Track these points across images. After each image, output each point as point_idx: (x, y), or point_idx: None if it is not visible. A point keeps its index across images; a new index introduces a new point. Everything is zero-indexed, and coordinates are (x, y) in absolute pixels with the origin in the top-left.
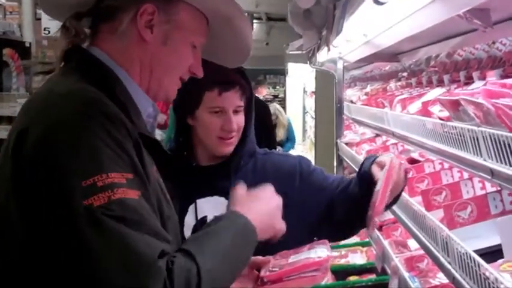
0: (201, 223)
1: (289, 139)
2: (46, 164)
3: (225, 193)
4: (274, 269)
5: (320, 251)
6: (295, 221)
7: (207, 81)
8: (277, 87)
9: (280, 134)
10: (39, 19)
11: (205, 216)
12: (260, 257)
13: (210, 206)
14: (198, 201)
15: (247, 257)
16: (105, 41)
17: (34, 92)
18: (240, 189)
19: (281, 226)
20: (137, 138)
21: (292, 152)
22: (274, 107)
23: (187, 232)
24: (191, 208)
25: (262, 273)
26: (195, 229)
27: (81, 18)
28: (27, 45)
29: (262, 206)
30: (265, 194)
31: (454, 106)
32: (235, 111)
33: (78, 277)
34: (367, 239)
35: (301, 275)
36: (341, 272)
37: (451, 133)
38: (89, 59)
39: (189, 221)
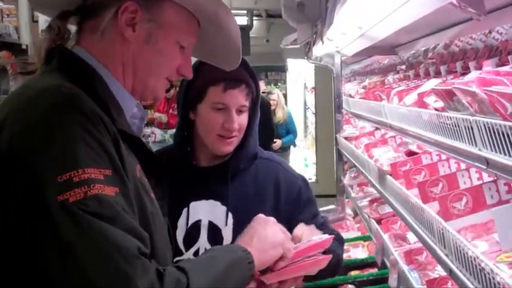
0: (195, 227)
1: (291, 132)
2: (20, 161)
3: (221, 197)
4: None
5: (321, 236)
6: None
7: (213, 76)
8: (279, 84)
9: (280, 115)
10: (37, 21)
11: (200, 220)
12: None
13: (205, 210)
14: (192, 204)
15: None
16: (87, 40)
17: (12, 90)
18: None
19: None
20: (116, 134)
21: (294, 149)
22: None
23: (180, 236)
24: (185, 211)
25: None
26: (189, 232)
27: (68, 17)
28: (24, 47)
29: (266, 241)
30: (273, 229)
31: (449, 96)
32: (239, 111)
33: (56, 273)
34: (368, 234)
35: (306, 260)
36: (343, 267)
37: (447, 123)
38: (70, 58)
39: (183, 223)
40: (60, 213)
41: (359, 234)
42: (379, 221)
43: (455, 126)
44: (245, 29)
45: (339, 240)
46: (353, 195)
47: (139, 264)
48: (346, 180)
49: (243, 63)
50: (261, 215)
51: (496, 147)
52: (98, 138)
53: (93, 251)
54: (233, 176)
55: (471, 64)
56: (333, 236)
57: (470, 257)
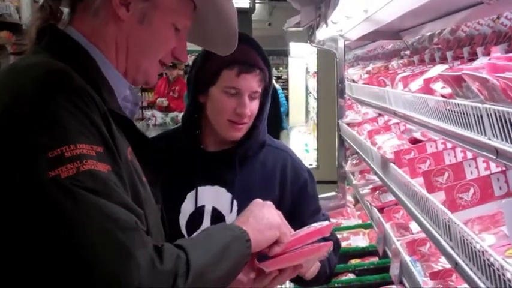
0: (198, 212)
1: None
2: (9, 138)
3: (227, 184)
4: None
5: (321, 222)
6: None
7: (228, 59)
8: (281, 68)
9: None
10: (37, 2)
11: (203, 206)
12: None
13: (210, 196)
14: (199, 188)
15: (239, 266)
16: (80, 20)
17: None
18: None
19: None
20: (106, 112)
21: (295, 133)
22: None
23: (183, 221)
24: (190, 195)
25: (264, 250)
26: (193, 217)
27: None
28: (24, 27)
29: (262, 222)
30: (269, 212)
31: (457, 82)
32: (251, 97)
33: (52, 250)
34: (369, 221)
35: (305, 247)
36: (342, 255)
37: (454, 111)
38: (60, 38)
39: (187, 208)
40: (52, 189)
41: (359, 221)
42: (381, 210)
43: (464, 114)
44: (247, 12)
45: (335, 248)
46: (354, 182)
47: (138, 237)
48: (347, 167)
49: (257, 49)
50: (259, 200)
51: (507, 136)
52: (88, 115)
53: (89, 225)
54: (241, 163)
55: (479, 50)
56: (332, 223)
57: (479, 251)
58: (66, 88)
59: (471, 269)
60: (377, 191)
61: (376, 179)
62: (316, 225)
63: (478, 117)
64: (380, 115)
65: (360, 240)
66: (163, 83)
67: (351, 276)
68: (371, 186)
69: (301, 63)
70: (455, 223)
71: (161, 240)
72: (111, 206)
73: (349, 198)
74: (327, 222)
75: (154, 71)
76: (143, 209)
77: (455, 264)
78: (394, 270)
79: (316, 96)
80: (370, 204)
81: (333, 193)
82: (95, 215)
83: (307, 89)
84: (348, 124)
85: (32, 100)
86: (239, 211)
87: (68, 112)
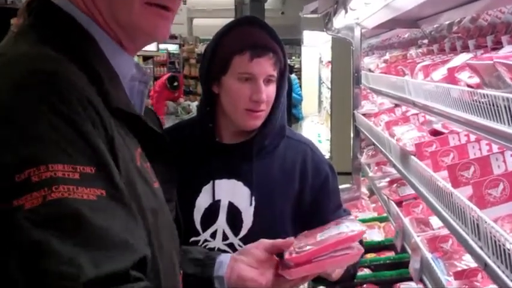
0: (213, 207)
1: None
2: None
3: (244, 177)
4: (300, 250)
5: (352, 225)
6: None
7: (238, 44)
8: (293, 57)
9: None
10: None
11: (219, 200)
12: (280, 240)
13: (226, 190)
14: (215, 181)
15: None
16: None
17: None
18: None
19: None
20: (109, 118)
21: (308, 124)
22: None
23: (197, 216)
24: (206, 189)
25: (286, 255)
26: (208, 212)
27: None
28: None
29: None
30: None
31: (487, 71)
32: (267, 81)
33: None
34: (385, 214)
35: (333, 254)
36: None
37: (482, 102)
38: (52, 13)
39: (202, 202)
40: (14, 223)
41: (375, 214)
42: (399, 203)
43: (493, 105)
44: (260, 1)
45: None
46: (371, 174)
47: None
48: (363, 159)
49: (270, 31)
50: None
51: None
52: (79, 128)
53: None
54: (259, 156)
55: (504, 38)
56: (364, 229)
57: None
58: (53, 95)
59: (503, 272)
60: (395, 184)
61: (394, 171)
62: (347, 232)
63: (509, 108)
64: (397, 106)
65: (375, 234)
66: (165, 91)
67: (366, 271)
68: (388, 179)
69: (314, 52)
70: (485, 221)
71: (173, 244)
72: (59, 249)
73: (364, 190)
74: (358, 228)
75: (145, 18)
76: (149, 224)
77: (485, 265)
78: (414, 264)
79: (329, 86)
80: (388, 198)
81: (348, 185)
82: (29, 263)
83: (320, 78)
84: (364, 114)
85: (6, 108)
86: (257, 206)
87: (49, 125)
